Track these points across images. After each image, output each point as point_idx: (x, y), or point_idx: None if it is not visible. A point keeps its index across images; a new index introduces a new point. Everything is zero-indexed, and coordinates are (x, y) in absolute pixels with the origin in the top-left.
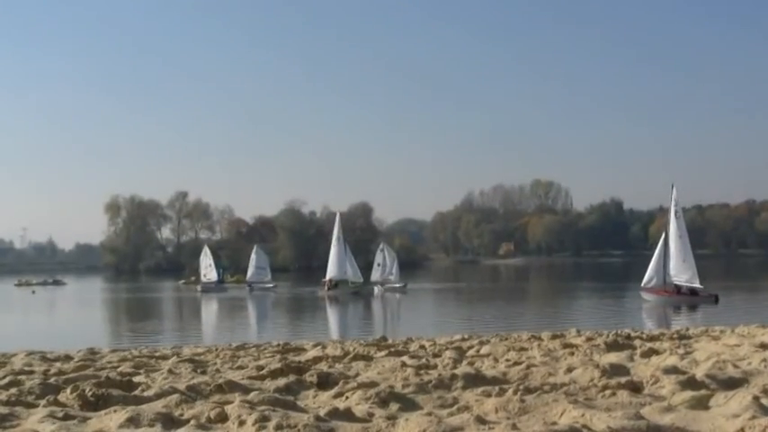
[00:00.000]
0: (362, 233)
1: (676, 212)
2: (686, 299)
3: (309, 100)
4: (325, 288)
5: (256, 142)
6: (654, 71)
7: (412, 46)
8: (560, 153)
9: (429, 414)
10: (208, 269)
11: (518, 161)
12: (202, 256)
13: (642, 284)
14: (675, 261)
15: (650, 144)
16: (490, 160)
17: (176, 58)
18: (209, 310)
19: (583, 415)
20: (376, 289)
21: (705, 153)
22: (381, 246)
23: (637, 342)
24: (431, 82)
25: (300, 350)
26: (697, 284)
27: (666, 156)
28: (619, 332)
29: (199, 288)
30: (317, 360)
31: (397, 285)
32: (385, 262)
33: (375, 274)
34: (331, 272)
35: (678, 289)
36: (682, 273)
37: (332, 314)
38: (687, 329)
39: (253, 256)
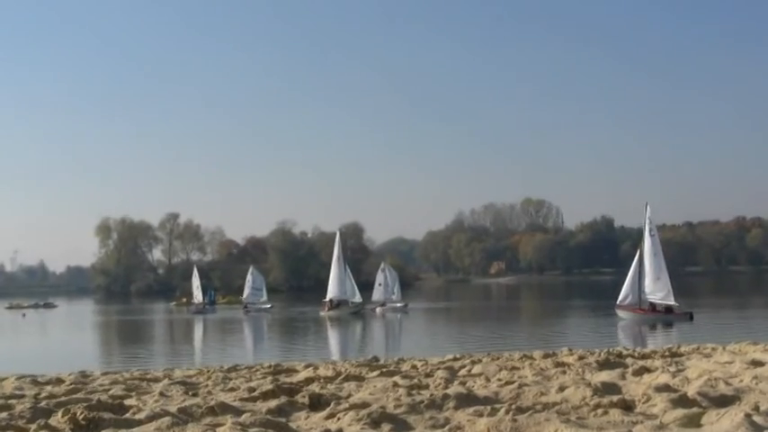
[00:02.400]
0: (354, 253)
1: (651, 231)
2: (661, 316)
3: (300, 120)
4: (326, 308)
5: (247, 163)
6: (646, 88)
7: (404, 63)
8: (551, 171)
9: None
10: (196, 291)
11: (509, 180)
12: (193, 278)
13: (617, 302)
14: (650, 279)
15: (641, 161)
16: (481, 179)
17: (169, 78)
18: (201, 331)
19: None
20: (378, 309)
21: (695, 170)
22: (383, 266)
23: (629, 360)
24: (423, 101)
25: (292, 371)
26: (672, 302)
27: (657, 173)
28: (610, 350)
29: (191, 310)
30: (308, 381)
31: (399, 305)
32: (386, 282)
33: (376, 294)
34: (332, 292)
35: (653, 307)
36: (656, 291)
37: (330, 335)
38: (678, 347)
39: (249, 276)
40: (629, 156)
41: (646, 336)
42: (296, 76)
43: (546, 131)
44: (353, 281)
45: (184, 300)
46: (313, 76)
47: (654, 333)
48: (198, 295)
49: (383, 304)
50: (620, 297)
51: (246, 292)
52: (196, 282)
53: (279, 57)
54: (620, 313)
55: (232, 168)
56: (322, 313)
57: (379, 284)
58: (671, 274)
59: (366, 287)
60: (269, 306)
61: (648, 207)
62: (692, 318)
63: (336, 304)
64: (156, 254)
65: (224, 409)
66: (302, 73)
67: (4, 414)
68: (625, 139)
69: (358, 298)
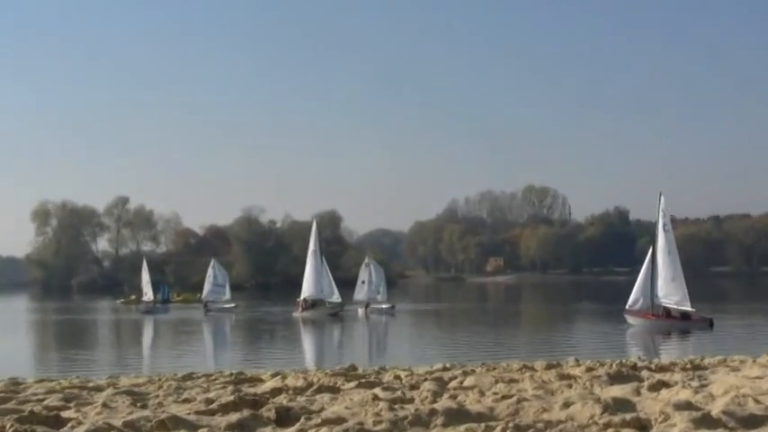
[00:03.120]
0: (330, 246)
1: (665, 225)
2: (677, 323)
3: (268, 98)
4: (300, 309)
5: (207, 143)
6: (664, 64)
7: (390, 43)
8: (556, 156)
9: None
10: (146, 287)
11: (509, 164)
12: (143, 272)
13: (626, 307)
14: (664, 280)
15: (660, 146)
16: (477, 164)
17: (113, 53)
18: (152, 334)
19: None
20: (360, 310)
21: (722, 157)
22: (367, 260)
23: (644, 373)
24: (409, 79)
25: (257, 381)
26: (688, 307)
27: (678, 159)
28: (623, 361)
29: (140, 308)
30: (275, 392)
31: (385, 306)
32: (371, 279)
33: (359, 293)
34: (306, 290)
35: (667, 312)
36: (671, 294)
37: (303, 339)
38: (702, 359)
39: (210, 271)
40: (647, 140)
41: (659, 345)
42: (267, 55)
43: (550, 114)
44: (332, 278)
45: (133, 297)
46: (285, 56)
47: (668, 342)
48: (148, 292)
49: (367, 305)
50: (630, 301)
51: (207, 288)
52: (146, 276)
53: (247, 37)
54: (630, 319)
55: (191, 149)
56: (295, 314)
57: (363, 282)
58: (694, 275)
59: (344, 285)
60: (233, 305)
61: (662, 198)
62: (711, 325)
63: (311, 304)
64: (102, 244)
65: (177, 423)
66: (274, 55)
67: None
68: (642, 121)
69: (337, 297)
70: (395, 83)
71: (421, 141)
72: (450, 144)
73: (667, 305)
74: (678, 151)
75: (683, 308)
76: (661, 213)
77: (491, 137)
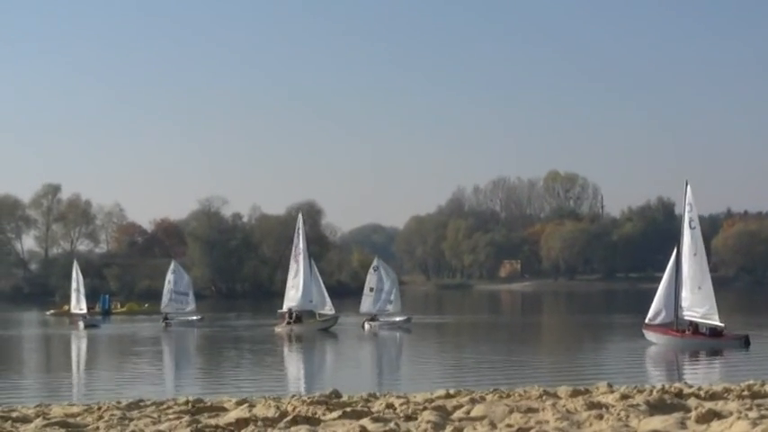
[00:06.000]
0: (308, 245)
1: (691, 221)
2: (705, 341)
3: (232, 67)
4: (284, 323)
5: (156, 121)
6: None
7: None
8: (585, 137)
9: None
10: (75, 294)
11: (528, 147)
12: (73, 275)
13: (646, 321)
14: (689, 289)
15: (715, 121)
16: (488, 145)
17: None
18: (91, 353)
19: None
20: (366, 325)
21: None
22: (376, 263)
23: (692, 401)
24: (406, 45)
25: (218, 410)
26: (716, 321)
27: (737, 136)
28: (666, 387)
29: (87, 321)
30: (240, 424)
31: (399, 319)
32: (381, 286)
33: (366, 303)
34: (292, 299)
35: (695, 327)
36: (696, 305)
37: (285, 360)
38: (763, 384)
39: (169, 276)
40: (699, 114)
41: (683, 367)
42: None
43: (577, 85)
44: (322, 284)
45: (66, 307)
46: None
47: (696, 364)
48: (80, 300)
49: (373, 318)
50: (651, 313)
51: (166, 297)
52: (75, 282)
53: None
54: (650, 335)
55: (136, 129)
56: (278, 329)
57: (371, 290)
58: (754, 282)
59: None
60: (198, 318)
61: (689, 187)
62: (747, 343)
63: (298, 317)
64: (28, 242)
65: None
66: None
67: None
68: (689, 93)
69: (329, 308)
70: (392, 54)
71: (418, 120)
72: (457, 121)
73: (693, 319)
74: (738, 128)
75: (710, 322)
76: (687, 207)
77: (506, 112)
